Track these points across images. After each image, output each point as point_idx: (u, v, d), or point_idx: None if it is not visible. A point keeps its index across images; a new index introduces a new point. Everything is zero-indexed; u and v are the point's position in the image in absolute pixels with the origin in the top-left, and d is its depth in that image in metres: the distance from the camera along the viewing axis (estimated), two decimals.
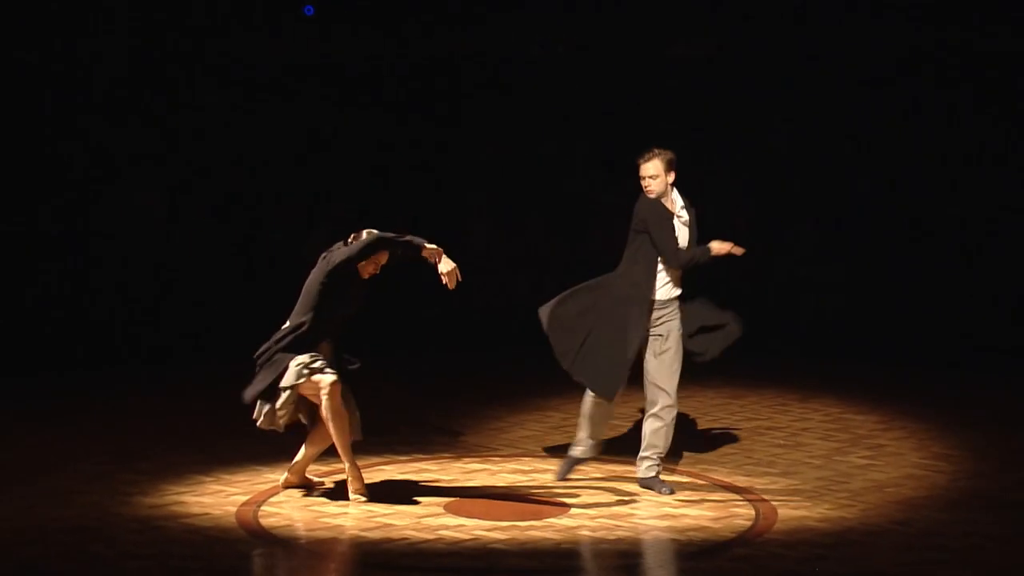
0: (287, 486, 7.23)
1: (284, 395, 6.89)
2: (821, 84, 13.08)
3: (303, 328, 6.91)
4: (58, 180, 12.55)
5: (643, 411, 7.36)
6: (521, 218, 13.47)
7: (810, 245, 13.48)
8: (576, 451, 7.45)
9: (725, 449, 8.42)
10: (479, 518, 6.78)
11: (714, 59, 13.32)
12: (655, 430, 7.22)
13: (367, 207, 12.82)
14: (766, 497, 7.21)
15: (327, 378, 6.85)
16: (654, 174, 7.12)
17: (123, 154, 12.76)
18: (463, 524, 6.69)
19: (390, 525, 6.64)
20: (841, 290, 13.25)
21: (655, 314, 7.19)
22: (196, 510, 6.90)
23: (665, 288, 7.21)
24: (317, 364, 6.88)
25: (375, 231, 7.03)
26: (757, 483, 7.53)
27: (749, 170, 13.46)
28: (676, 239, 7.17)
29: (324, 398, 6.86)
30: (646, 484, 7.28)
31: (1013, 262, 12.62)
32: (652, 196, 7.15)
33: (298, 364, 6.86)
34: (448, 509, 6.93)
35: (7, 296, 12.19)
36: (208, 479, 7.49)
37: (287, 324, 7.03)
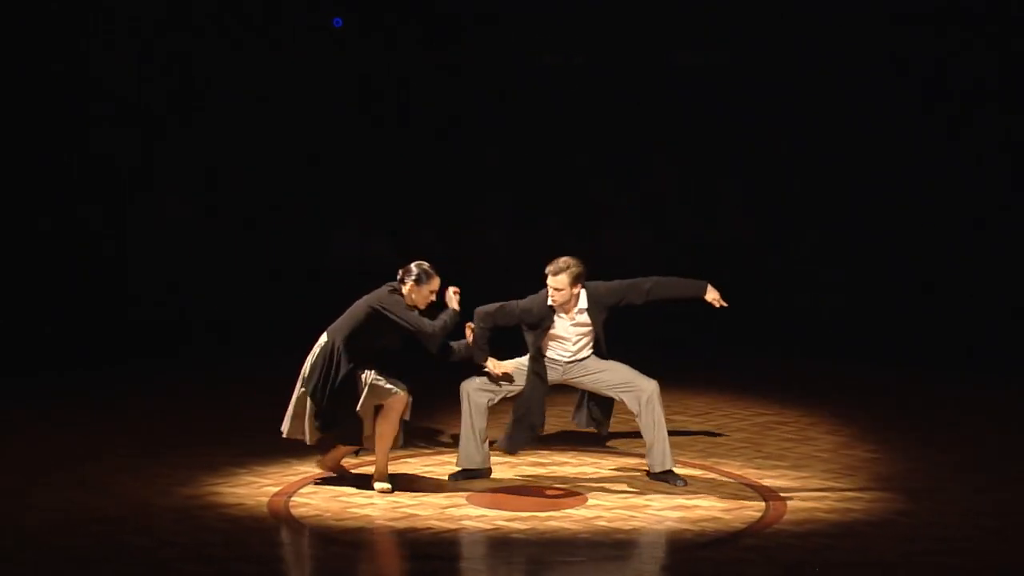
0: (324, 469, 7.36)
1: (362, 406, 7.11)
2: (823, 89, 13.11)
3: (341, 356, 7.06)
4: (87, 185, 12.67)
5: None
6: (536, 222, 13.52)
7: (812, 246, 13.50)
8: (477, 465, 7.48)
9: (736, 443, 8.51)
10: (500, 509, 6.88)
11: (720, 67, 13.36)
12: (654, 420, 7.31)
13: (389, 213, 12.97)
14: (776, 489, 7.31)
15: (402, 389, 7.14)
16: (560, 287, 7.22)
17: (150, 161, 12.88)
18: (485, 515, 6.79)
19: (415, 515, 6.75)
20: (843, 290, 13.27)
21: (566, 371, 7.36)
22: (230, 500, 7.02)
23: (571, 355, 7.36)
24: (384, 379, 7.12)
25: (425, 265, 7.15)
26: (767, 476, 7.62)
27: (753, 174, 13.50)
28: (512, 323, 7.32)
29: (398, 407, 7.12)
30: (660, 478, 7.39)
31: (1012, 262, 12.62)
32: (555, 304, 7.25)
33: (375, 379, 7.08)
34: (471, 500, 7.03)
35: (36, 295, 12.30)
36: (241, 470, 7.61)
37: (324, 339, 7.15)
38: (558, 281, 7.22)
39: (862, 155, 13.18)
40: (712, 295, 7.35)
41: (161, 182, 13.00)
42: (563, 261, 7.25)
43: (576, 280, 7.26)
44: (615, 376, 7.35)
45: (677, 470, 7.48)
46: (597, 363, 7.39)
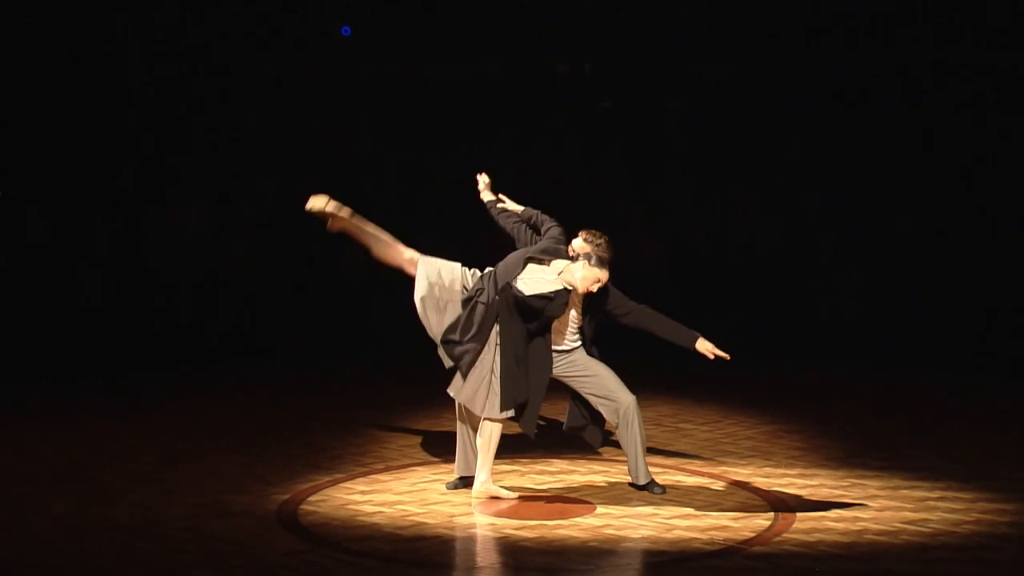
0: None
1: None
2: (835, 97, 13.07)
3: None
4: (105, 194, 12.67)
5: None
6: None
7: (825, 252, 13.45)
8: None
9: (744, 452, 8.44)
10: (508, 517, 6.82)
11: (733, 75, 13.33)
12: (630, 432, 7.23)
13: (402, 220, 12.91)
14: (785, 498, 7.24)
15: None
16: (578, 251, 7.16)
17: (167, 166, 12.89)
18: (493, 523, 6.73)
19: (423, 524, 6.70)
20: (855, 296, 13.23)
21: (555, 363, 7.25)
22: (239, 508, 6.96)
23: (565, 340, 7.27)
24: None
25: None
26: (776, 484, 7.55)
27: (765, 180, 13.47)
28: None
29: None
30: (641, 489, 7.29)
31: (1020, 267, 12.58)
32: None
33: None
34: (479, 509, 6.97)
35: (56, 300, 12.32)
36: (250, 478, 7.57)
37: None
38: (579, 247, 7.14)
39: (873, 159, 13.12)
40: (705, 346, 7.15)
41: (203, 192, 13.04)
42: (598, 240, 7.14)
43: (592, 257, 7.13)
44: (597, 384, 7.23)
45: (685, 479, 7.40)
46: (585, 362, 7.25)
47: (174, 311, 12.86)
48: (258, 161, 13.17)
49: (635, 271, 12.99)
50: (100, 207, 12.69)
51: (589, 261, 6.98)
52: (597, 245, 7.15)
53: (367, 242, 7.02)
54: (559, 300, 6.98)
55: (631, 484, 7.38)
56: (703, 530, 6.63)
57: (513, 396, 6.97)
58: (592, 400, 7.28)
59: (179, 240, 13.01)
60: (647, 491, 7.27)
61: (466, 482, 7.32)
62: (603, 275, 7.00)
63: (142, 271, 12.87)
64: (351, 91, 13.45)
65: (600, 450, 7.96)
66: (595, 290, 7.01)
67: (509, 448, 8.24)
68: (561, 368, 7.28)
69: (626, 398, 7.20)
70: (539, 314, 6.96)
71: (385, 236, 7.03)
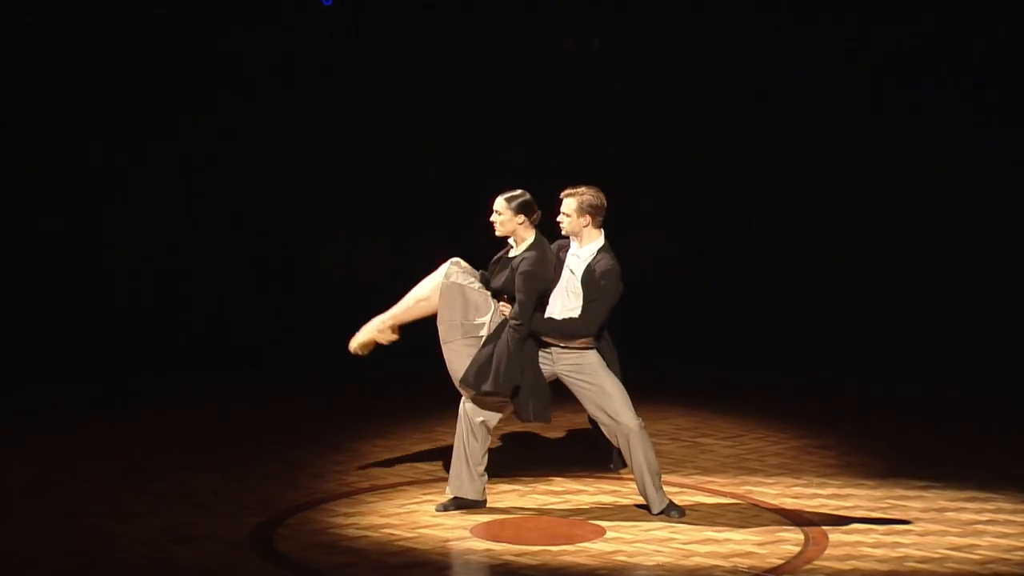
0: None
1: None
2: (872, 91, 13.08)
3: None
4: (68, 186, 12.70)
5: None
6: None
7: (859, 256, 13.45)
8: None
9: (771, 469, 8.43)
10: (508, 542, 6.81)
11: (753, 48, 13.34)
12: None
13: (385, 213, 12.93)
14: (816, 521, 7.22)
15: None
16: (567, 212, 7.23)
17: (134, 160, 12.92)
18: (491, 548, 6.71)
19: (413, 550, 6.67)
20: (893, 296, 13.23)
21: (557, 360, 7.23)
22: (207, 532, 6.94)
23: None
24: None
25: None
26: (806, 505, 7.54)
27: (790, 167, 13.49)
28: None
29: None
30: (659, 515, 7.27)
31: None
32: (562, 229, 7.30)
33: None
34: (475, 533, 6.96)
35: (17, 304, 12.31)
36: (220, 499, 7.56)
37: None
38: (566, 205, 7.19)
39: (911, 161, 13.11)
40: None
41: (171, 187, 13.07)
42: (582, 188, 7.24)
43: (587, 211, 7.15)
44: (600, 399, 7.15)
45: (707, 500, 7.43)
46: (595, 370, 7.15)
47: (136, 312, 12.85)
48: (232, 146, 13.19)
49: (647, 268, 13.10)
50: (49, 195, 12.70)
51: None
52: (586, 198, 7.23)
53: (419, 316, 7.30)
54: (504, 263, 7.24)
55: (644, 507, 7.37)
56: (725, 556, 6.61)
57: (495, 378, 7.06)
58: (592, 413, 7.25)
59: (142, 232, 13.00)
60: (664, 515, 7.25)
61: (460, 503, 7.28)
62: (495, 205, 7.22)
63: (99, 266, 12.85)
64: (330, 71, 13.46)
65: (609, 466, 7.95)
66: (493, 221, 7.23)
67: (508, 465, 8.24)
68: (566, 367, 7.21)
69: (629, 424, 7.14)
70: (511, 281, 7.13)
71: (419, 295, 7.30)
